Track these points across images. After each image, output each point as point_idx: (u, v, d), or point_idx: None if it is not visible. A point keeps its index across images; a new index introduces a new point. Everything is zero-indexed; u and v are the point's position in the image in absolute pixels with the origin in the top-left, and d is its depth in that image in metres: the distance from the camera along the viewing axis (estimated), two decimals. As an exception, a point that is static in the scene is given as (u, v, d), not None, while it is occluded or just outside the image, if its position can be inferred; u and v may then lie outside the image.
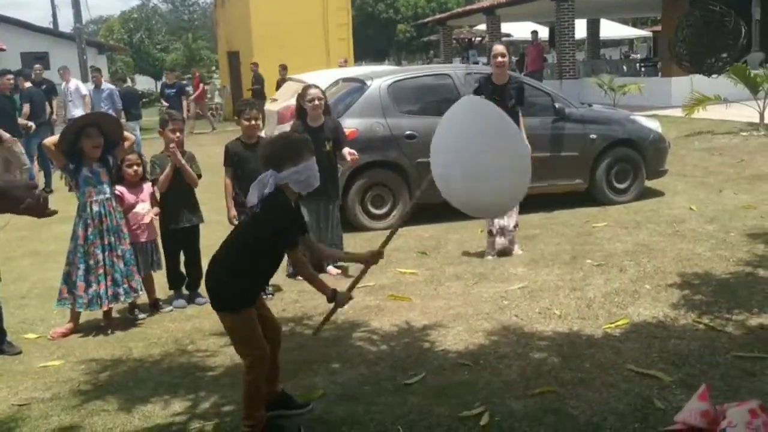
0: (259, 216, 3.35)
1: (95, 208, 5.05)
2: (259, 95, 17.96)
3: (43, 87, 13.33)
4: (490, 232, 6.48)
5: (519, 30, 30.27)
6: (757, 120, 12.07)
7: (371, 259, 3.74)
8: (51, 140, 5.13)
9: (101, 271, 5.03)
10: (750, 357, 4.03)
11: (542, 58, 21.17)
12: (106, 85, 14.26)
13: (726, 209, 7.70)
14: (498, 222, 6.37)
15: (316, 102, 6.11)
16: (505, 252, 6.47)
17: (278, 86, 17.46)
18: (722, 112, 12.69)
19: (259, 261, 3.38)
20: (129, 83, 18.53)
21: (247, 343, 3.40)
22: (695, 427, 0.75)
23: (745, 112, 12.29)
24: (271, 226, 3.33)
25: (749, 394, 3.58)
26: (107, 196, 5.12)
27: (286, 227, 3.35)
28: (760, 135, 11.63)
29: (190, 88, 20.18)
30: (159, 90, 17.90)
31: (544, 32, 27.89)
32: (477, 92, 6.26)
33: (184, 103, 16.50)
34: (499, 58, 6.37)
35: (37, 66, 14.31)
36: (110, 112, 11.97)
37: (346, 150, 6.20)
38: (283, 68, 18.50)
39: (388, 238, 3.79)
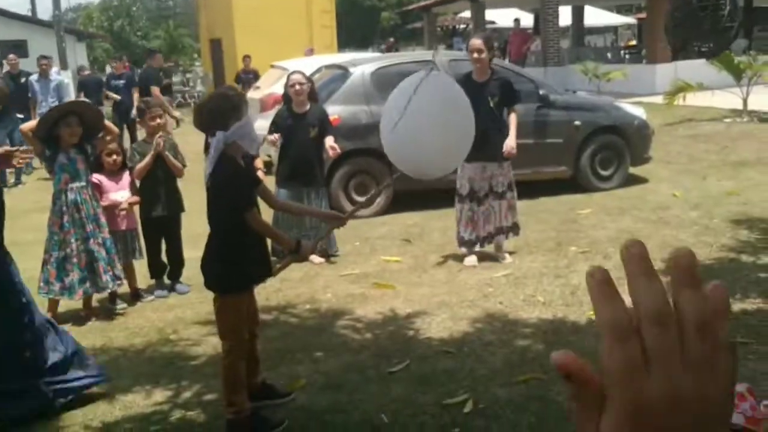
0: (212, 190, 3.30)
1: (71, 195, 4.97)
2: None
3: (23, 80, 13.00)
4: (462, 240, 5.92)
5: (504, 17, 30.19)
6: (740, 107, 12.11)
7: (334, 220, 3.77)
8: (28, 125, 5.06)
9: (76, 260, 4.96)
10: (733, 342, 4.03)
11: (526, 46, 21.10)
12: (55, 76, 13.92)
13: (710, 195, 7.72)
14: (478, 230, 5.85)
15: (297, 87, 6.04)
16: (493, 258, 5.97)
17: (237, 79, 16.88)
18: (706, 99, 12.72)
19: (232, 236, 3.32)
20: (89, 71, 17.09)
21: (229, 327, 3.38)
22: None
23: (729, 99, 12.34)
24: (226, 194, 3.28)
25: (733, 379, 3.59)
26: (83, 184, 5.04)
27: (239, 189, 3.30)
28: (743, 121, 11.68)
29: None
30: (105, 81, 15.46)
31: (528, 19, 27.85)
32: None
33: (135, 95, 13.86)
34: (475, 54, 5.70)
35: (10, 56, 13.91)
36: (55, 104, 11.55)
37: (329, 141, 6.12)
38: (247, 58, 17.96)
39: (355, 210, 3.83)
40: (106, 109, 13.73)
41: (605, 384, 0.47)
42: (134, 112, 13.72)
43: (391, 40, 29.62)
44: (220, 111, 3.29)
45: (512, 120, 5.84)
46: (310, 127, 6.04)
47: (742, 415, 0.73)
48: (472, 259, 5.87)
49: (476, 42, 5.78)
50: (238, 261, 3.38)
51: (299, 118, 6.08)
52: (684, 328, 0.47)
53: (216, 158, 3.27)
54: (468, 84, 5.84)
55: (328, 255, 6.29)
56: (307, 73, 8.28)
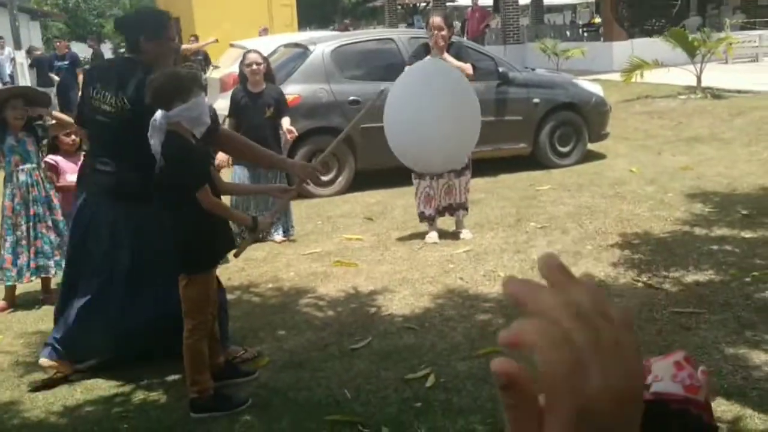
0: (166, 170, 3.28)
1: (21, 177, 4.90)
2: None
3: None
4: (422, 216, 5.96)
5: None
6: (694, 83, 12.33)
7: (283, 193, 3.77)
8: None
9: (25, 242, 4.90)
10: (686, 312, 4.16)
11: (484, 23, 21.11)
12: (7, 55, 13.59)
13: (665, 171, 7.87)
14: (435, 204, 5.89)
15: (254, 67, 5.99)
16: (454, 236, 6.02)
17: (185, 59, 16.55)
18: (662, 76, 12.92)
19: (192, 215, 3.31)
20: (40, 52, 16.34)
21: (194, 306, 3.37)
22: None
23: (684, 75, 12.55)
24: (178, 172, 3.27)
25: (683, 347, 3.70)
26: (34, 165, 4.96)
27: (191, 166, 3.28)
28: (697, 98, 11.90)
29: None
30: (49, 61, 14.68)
31: (488, -3, 27.86)
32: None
33: (80, 77, 13.22)
34: (436, 32, 5.65)
35: None
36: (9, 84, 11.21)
37: (286, 123, 6.09)
38: (193, 38, 17.59)
39: (295, 189, 3.91)
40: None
41: (545, 393, 0.45)
42: (79, 93, 13.37)
43: (346, 21, 29.37)
44: (163, 90, 3.25)
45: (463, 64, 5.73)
46: (265, 106, 6.01)
47: (680, 384, 0.77)
48: (433, 236, 5.92)
49: (437, 20, 5.77)
50: (202, 238, 3.36)
51: (255, 98, 6.05)
52: (591, 319, 0.46)
53: (162, 137, 3.24)
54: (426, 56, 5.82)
55: (288, 234, 6.28)
56: (266, 53, 8.19)
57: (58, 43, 14.85)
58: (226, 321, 3.93)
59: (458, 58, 5.66)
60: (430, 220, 5.94)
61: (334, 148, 4.06)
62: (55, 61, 14.00)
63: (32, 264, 4.94)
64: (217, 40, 14.23)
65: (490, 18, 21.71)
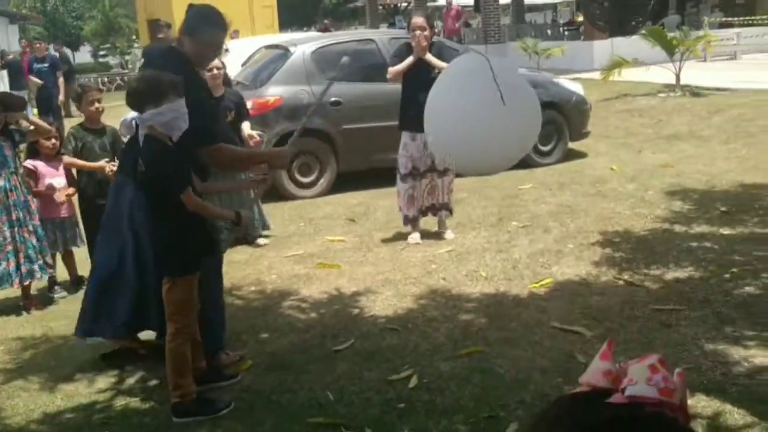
0: (144, 174, 3.27)
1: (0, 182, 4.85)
2: None
3: None
4: (406, 219, 5.95)
5: (445, -5, 30.19)
6: (673, 81, 12.43)
7: (257, 185, 3.89)
8: None
9: (10, 247, 4.85)
10: (666, 309, 4.19)
11: (459, 21, 21.16)
12: None
13: (645, 168, 7.93)
14: (417, 205, 5.90)
15: (215, 71, 5.89)
16: (437, 236, 6.02)
17: None
18: (641, 74, 13.02)
19: (173, 218, 3.29)
20: (12, 56, 15.91)
21: (178, 309, 3.35)
22: (599, 388, 0.78)
23: (663, 73, 12.65)
24: (159, 178, 3.25)
25: (664, 344, 3.74)
26: (12, 170, 4.91)
27: (172, 171, 3.26)
28: (676, 96, 11.99)
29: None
30: (28, 64, 14.35)
31: (469, -3, 27.95)
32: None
33: (60, 80, 13.16)
34: (418, 32, 5.62)
35: None
36: None
37: (246, 127, 6.04)
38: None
39: (271, 178, 3.96)
40: (30, 94, 13.22)
41: None
42: (60, 97, 13.15)
43: (326, 22, 29.36)
44: (137, 93, 3.25)
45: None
46: (226, 110, 5.95)
47: (655, 387, 0.78)
48: (415, 237, 5.93)
49: (419, 20, 5.77)
50: (187, 241, 3.35)
51: (215, 102, 6.03)
52: None
53: (138, 140, 3.24)
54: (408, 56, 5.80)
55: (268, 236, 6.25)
56: (246, 54, 8.17)
57: (37, 45, 14.50)
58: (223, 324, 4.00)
59: (440, 57, 5.67)
60: (412, 221, 5.95)
61: (303, 126, 4.05)
62: (34, 64, 13.73)
63: (23, 269, 4.90)
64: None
65: (465, 16, 21.76)
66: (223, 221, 4.09)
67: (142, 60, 12.07)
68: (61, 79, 13.25)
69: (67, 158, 5.33)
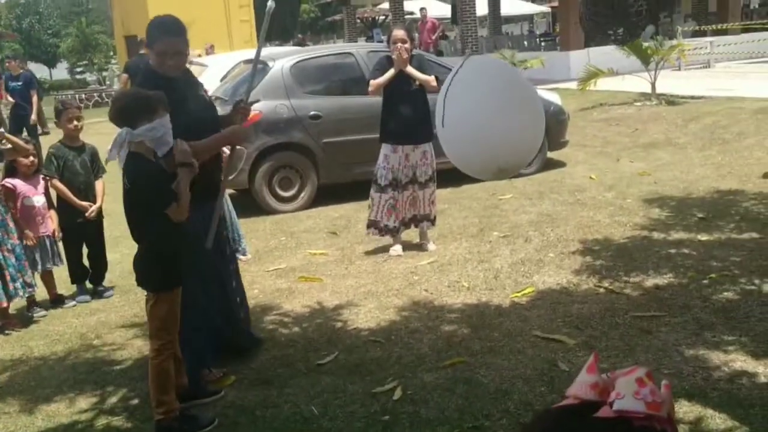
0: (131, 191, 3.26)
1: None
2: None
3: None
4: (385, 228, 5.93)
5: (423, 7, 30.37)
6: (649, 90, 12.59)
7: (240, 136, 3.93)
8: None
9: None
10: (647, 316, 4.23)
11: (435, 34, 21.31)
12: None
13: (623, 177, 8.01)
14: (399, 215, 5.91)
15: None
16: (418, 247, 6.04)
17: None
18: (617, 84, 13.17)
19: (156, 233, 3.28)
20: None
21: (162, 325, 3.33)
22: (586, 400, 0.79)
23: (638, 83, 12.80)
24: (145, 195, 3.25)
25: (645, 350, 3.77)
26: None
27: (156, 189, 3.25)
28: (652, 104, 12.13)
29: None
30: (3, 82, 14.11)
31: (446, 9, 28.14)
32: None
33: (34, 98, 13.02)
34: (399, 44, 5.66)
35: None
36: None
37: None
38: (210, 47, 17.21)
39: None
40: (5, 111, 13.08)
41: None
42: (33, 117, 12.99)
43: (300, 36, 29.46)
44: (128, 110, 3.25)
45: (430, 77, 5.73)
46: None
47: (642, 401, 0.79)
48: (397, 249, 5.94)
49: (399, 33, 5.79)
50: (174, 256, 3.35)
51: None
52: None
53: (124, 157, 3.24)
54: (389, 69, 5.81)
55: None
56: (225, 69, 8.16)
57: (8, 63, 14.24)
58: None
59: (420, 70, 5.71)
60: (393, 232, 5.96)
61: (256, 59, 4.14)
62: (9, 82, 13.54)
63: (9, 287, 4.87)
64: (200, 55, 13.99)
65: (440, 29, 21.91)
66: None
67: (124, 74, 11.84)
68: (35, 98, 13.10)
69: (57, 183, 5.33)
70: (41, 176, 5.39)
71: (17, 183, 5.24)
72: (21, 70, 13.50)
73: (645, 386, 0.93)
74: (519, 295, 4.77)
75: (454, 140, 3.53)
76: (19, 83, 13.27)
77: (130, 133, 3.22)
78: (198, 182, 3.66)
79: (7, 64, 14.36)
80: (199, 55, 13.87)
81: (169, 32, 3.73)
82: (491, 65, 4.01)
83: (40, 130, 13.58)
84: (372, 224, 5.97)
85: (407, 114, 5.74)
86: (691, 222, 6.02)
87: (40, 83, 13.43)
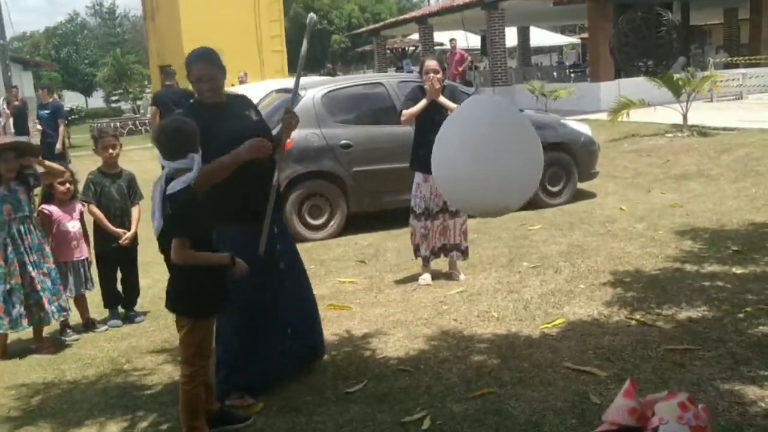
0: (170, 216, 3.31)
1: (14, 226, 4.91)
2: None
3: None
4: (416, 251, 6.04)
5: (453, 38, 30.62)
6: (680, 122, 12.50)
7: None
8: None
9: (21, 291, 4.89)
10: (680, 349, 4.16)
11: (463, 66, 21.41)
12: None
13: (654, 208, 7.94)
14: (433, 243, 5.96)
15: None
16: (448, 276, 6.04)
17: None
18: (648, 115, 13.11)
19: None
20: (18, 102, 15.99)
21: (197, 351, 3.37)
22: (625, 426, 0.78)
23: (670, 114, 12.73)
24: (182, 224, 3.28)
25: (678, 384, 3.70)
26: (26, 214, 4.97)
27: (187, 220, 3.29)
28: (684, 136, 12.05)
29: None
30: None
31: (476, 40, 28.33)
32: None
33: (61, 127, 13.30)
34: (432, 74, 5.77)
35: None
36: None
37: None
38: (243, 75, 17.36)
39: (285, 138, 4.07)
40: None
41: None
42: (58, 146, 13.20)
43: (329, 66, 29.83)
44: (179, 141, 3.30)
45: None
46: None
47: (686, 426, 0.78)
48: (426, 278, 5.94)
49: (432, 63, 5.88)
50: (209, 283, 3.38)
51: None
52: None
53: (174, 187, 3.27)
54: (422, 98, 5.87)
55: None
56: (257, 98, 8.27)
57: (39, 92, 14.48)
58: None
59: (453, 100, 5.77)
60: (425, 260, 5.97)
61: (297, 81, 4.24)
62: (39, 110, 13.79)
63: (39, 313, 4.95)
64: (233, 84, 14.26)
65: (468, 61, 22.01)
66: None
67: (152, 106, 12.04)
68: (61, 127, 13.33)
69: (94, 209, 5.45)
70: (78, 201, 5.49)
71: (53, 209, 5.34)
72: (50, 99, 13.67)
73: (688, 411, 0.93)
74: (549, 326, 4.73)
75: (442, 178, 3.65)
76: (47, 111, 13.43)
77: (170, 166, 3.29)
78: (237, 205, 3.74)
79: (38, 93, 14.65)
80: (233, 84, 14.09)
81: (202, 59, 3.90)
82: (483, 107, 4.02)
83: (68, 159, 13.80)
84: (417, 250, 6.06)
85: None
86: (725, 254, 5.93)
87: (73, 111, 13.77)
